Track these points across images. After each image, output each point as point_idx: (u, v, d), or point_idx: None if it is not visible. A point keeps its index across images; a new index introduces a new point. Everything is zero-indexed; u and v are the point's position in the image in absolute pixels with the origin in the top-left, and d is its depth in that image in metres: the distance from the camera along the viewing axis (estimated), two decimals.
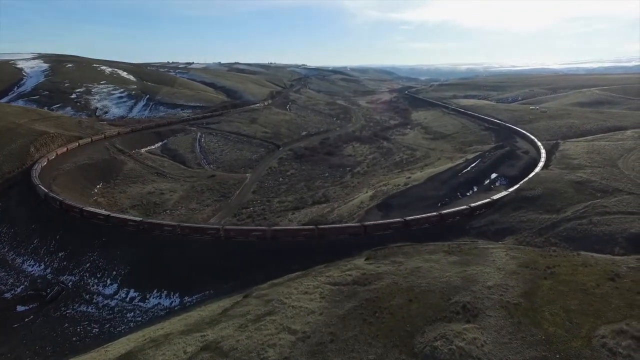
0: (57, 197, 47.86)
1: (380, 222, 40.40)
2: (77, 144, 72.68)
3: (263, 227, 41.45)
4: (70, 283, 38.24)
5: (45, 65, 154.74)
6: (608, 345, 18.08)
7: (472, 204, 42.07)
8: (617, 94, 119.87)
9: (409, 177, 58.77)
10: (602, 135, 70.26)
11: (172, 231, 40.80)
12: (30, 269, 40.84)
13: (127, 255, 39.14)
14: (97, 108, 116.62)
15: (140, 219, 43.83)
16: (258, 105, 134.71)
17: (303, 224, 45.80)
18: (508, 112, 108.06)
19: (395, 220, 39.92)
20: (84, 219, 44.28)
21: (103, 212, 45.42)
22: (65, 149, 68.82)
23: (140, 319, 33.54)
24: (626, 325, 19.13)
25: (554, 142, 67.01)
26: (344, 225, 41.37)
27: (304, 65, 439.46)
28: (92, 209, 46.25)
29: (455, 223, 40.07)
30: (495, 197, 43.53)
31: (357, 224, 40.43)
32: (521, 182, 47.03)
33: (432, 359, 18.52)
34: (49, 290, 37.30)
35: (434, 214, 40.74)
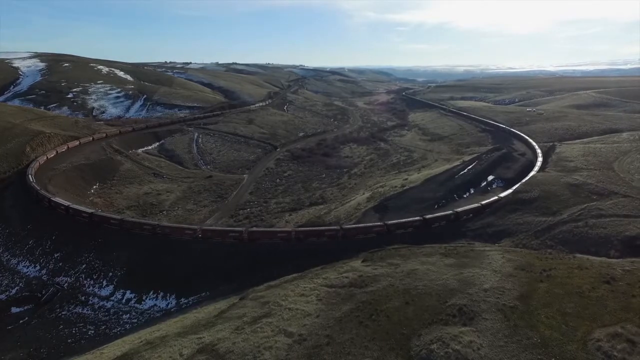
0: (47, 195, 47.60)
1: (401, 220, 40.37)
2: (77, 142, 72.40)
3: (288, 229, 40.95)
4: (66, 284, 38.02)
5: (41, 65, 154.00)
6: (603, 348, 18.15)
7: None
8: (613, 96, 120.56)
9: (406, 179, 58.85)
10: (598, 137, 70.68)
11: (193, 235, 40.22)
12: (25, 270, 40.58)
13: (123, 256, 38.99)
14: (93, 108, 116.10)
15: (157, 223, 43.10)
16: (255, 105, 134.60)
17: (318, 224, 45.17)
18: (505, 114, 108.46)
19: (414, 219, 40.30)
20: (92, 223, 43.38)
21: (116, 216, 44.74)
22: (63, 148, 68.48)
23: (136, 320, 33.41)
24: (621, 328, 19.22)
25: (551, 144, 67.36)
26: (368, 225, 40.73)
27: (301, 66, 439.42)
28: (104, 213, 45.89)
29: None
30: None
31: (380, 223, 40.26)
32: (518, 185, 47.22)
33: None
34: (44, 292, 37.09)
35: (449, 212, 41.26)
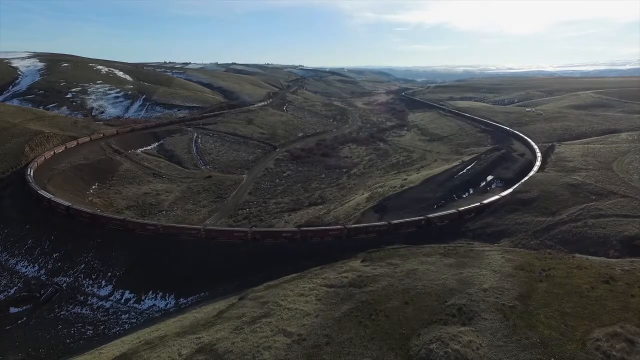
0: (46, 195, 47.54)
1: (406, 219, 40.59)
2: (73, 143, 72.21)
3: (293, 229, 40.98)
4: (65, 284, 37.93)
5: (40, 65, 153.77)
6: (602, 348, 18.15)
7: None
8: (612, 97, 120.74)
9: (405, 179, 58.86)
10: (597, 138, 70.81)
11: (197, 235, 40.18)
12: (24, 270, 40.47)
13: (122, 256, 38.92)
14: (93, 108, 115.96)
15: (161, 224, 42.91)
16: (255, 106, 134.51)
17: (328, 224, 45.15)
18: (504, 114, 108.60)
19: (418, 218, 40.71)
20: (94, 224, 43.13)
21: (118, 216, 44.54)
22: (60, 148, 68.37)
23: (135, 320, 33.33)
24: (620, 328, 19.23)
25: (550, 144, 67.46)
26: (373, 224, 40.74)
27: (301, 66, 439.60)
28: (106, 213, 45.83)
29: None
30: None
31: (384, 222, 40.31)
32: (517, 185, 47.27)
33: None
34: (42, 292, 36.97)
35: (452, 211, 41.52)
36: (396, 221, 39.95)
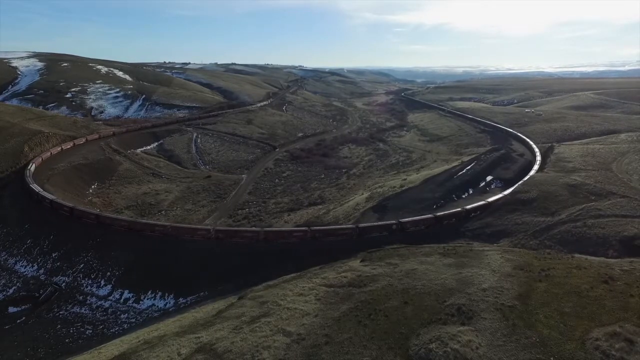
0: (47, 196, 47.48)
1: (415, 218, 40.91)
2: (72, 143, 72.18)
3: (303, 228, 40.94)
4: (64, 284, 37.88)
5: (40, 64, 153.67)
6: (601, 347, 18.16)
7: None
8: (612, 97, 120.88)
9: (405, 179, 58.88)
10: (596, 138, 70.87)
11: (207, 235, 39.99)
12: (23, 269, 40.42)
13: (122, 256, 38.88)
14: (92, 108, 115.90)
15: (169, 224, 42.87)
16: (254, 106, 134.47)
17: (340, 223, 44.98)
18: (504, 114, 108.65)
19: (427, 216, 40.86)
20: (99, 225, 43.02)
21: (125, 217, 44.60)
22: (60, 148, 68.32)
23: (134, 320, 33.29)
24: (619, 327, 19.23)
25: (549, 145, 67.51)
26: (384, 223, 41.04)
27: (300, 66, 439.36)
28: (111, 214, 45.71)
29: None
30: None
31: (394, 221, 40.47)
32: (516, 185, 47.31)
33: None
34: (41, 292, 36.93)
35: (459, 209, 41.79)
36: (405, 220, 40.17)
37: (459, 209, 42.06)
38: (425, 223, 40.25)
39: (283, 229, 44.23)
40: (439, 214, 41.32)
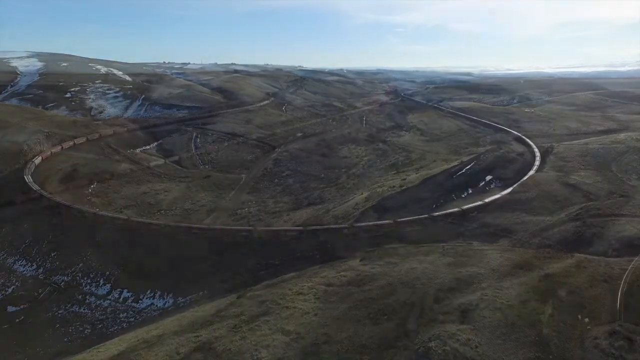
0: (47, 195, 47.45)
1: (446, 211, 41.66)
2: (73, 143, 72.15)
3: (346, 225, 41.21)
4: (63, 283, 37.83)
5: (39, 64, 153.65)
6: (601, 346, 18.17)
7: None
8: (611, 97, 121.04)
9: (404, 179, 58.82)
10: (596, 138, 70.83)
11: (249, 236, 40.42)
12: (21, 269, 40.34)
13: (121, 255, 38.84)
14: (92, 107, 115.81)
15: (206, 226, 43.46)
16: (254, 106, 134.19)
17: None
18: (503, 114, 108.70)
19: (455, 210, 41.69)
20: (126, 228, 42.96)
21: (155, 221, 44.80)
22: (60, 147, 68.28)
23: (133, 319, 33.26)
24: (619, 326, 19.24)
25: (549, 144, 67.50)
26: (417, 217, 41.53)
27: (300, 66, 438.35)
28: (137, 218, 46.00)
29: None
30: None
31: (426, 214, 41.11)
32: (516, 185, 47.33)
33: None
34: (40, 291, 36.88)
35: (480, 203, 42.86)
36: (402, 219, 40.36)
37: (458, 209, 42.10)
38: (423, 222, 40.20)
39: (279, 228, 44.13)
40: (437, 213, 41.32)
